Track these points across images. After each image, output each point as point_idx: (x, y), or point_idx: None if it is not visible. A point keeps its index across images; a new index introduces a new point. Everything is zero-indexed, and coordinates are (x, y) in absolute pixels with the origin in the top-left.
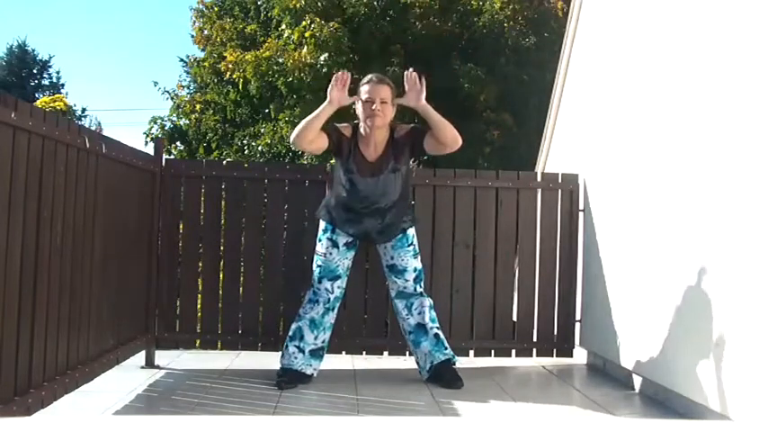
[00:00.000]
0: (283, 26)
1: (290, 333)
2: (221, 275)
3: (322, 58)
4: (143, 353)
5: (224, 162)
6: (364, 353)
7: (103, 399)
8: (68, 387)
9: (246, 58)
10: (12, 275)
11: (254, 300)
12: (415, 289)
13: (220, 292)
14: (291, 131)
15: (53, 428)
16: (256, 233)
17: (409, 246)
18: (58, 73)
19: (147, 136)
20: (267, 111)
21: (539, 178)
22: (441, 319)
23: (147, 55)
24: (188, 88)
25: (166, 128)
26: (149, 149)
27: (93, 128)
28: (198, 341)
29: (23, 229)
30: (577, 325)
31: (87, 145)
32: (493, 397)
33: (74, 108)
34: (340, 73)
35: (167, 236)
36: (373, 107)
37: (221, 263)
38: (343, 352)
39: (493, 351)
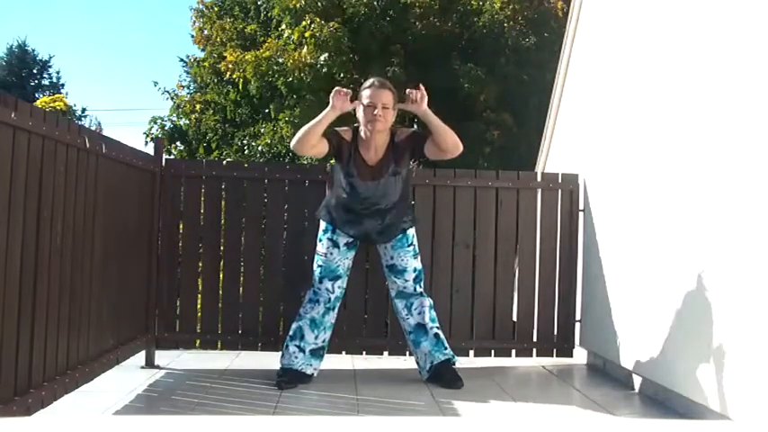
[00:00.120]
0: (283, 26)
1: (291, 333)
2: (221, 275)
3: (322, 58)
4: (143, 353)
5: (224, 162)
6: (364, 353)
7: (103, 399)
8: (68, 387)
9: (246, 58)
10: (12, 275)
11: (254, 300)
12: (415, 289)
13: (220, 292)
14: (292, 131)
15: (53, 428)
16: (256, 233)
17: (409, 246)
18: (58, 73)
19: (147, 136)
20: (267, 111)
21: (539, 178)
22: (441, 319)
23: (147, 55)
24: (188, 88)
25: (166, 128)
26: (149, 149)
27: (93, 128)
28: (198, 341)
29: (23, 229)
30: (577, 325)
31: (87, 145)
32: (493, 397)
33: (74, 108)
34: (341, 90)
35: (167, 236)
36: (375, 112)
37: (221, 263)
38: (344, 352)
39: (493, 351)
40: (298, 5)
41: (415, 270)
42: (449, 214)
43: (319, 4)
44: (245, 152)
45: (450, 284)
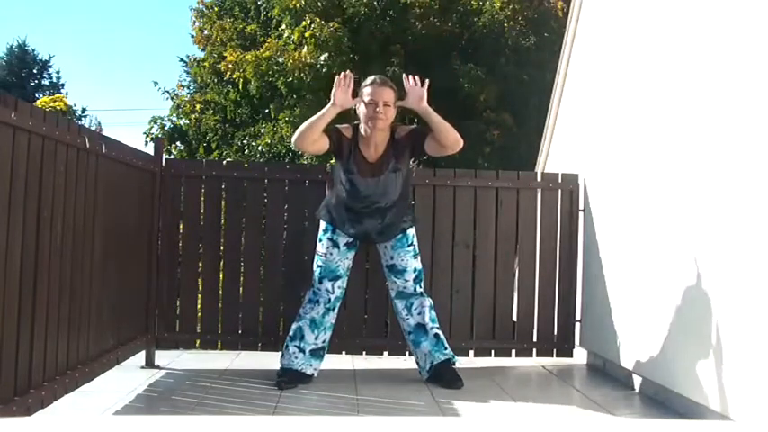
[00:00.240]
0: (283, 26)
1: (291, 333)
2: (221, 275)
3: (322, 58)
4: (143, 353)
5: (224, 162)
6: (364, 353)
7: (103, 399)
8: (68, 387)
9: (246, 58)
10: (12, 275)
11: (254, 300)
12: (415, 289)
13: (220, 292)
14: (292, 131)
15: (53, 428)
16: (256, 233)
17: (409, 246)
18: (58, 73)
19: (147, 136)
20: (267, 111)
21: (539, 178)
22: (441, 319)
23: (147, 55)
24: (188, 88)
25: (166, 128)
26: (149, 149)
27: (93, 128)
28: (198, 341)
29: (23, 229)
30: (577, 325)
31: (87, 145)
32: (493, 397)
33: (74, 108)
34: (342, 74)
35: (167, 236)
36: (376, 110)
37: (221, 263)
38: (344, 352)
39: (493, 351)
40: (298, 5)
41: (415, 270)
42: (449, 214)
43: (319, 4)
44: (245, 152)
45: (450, 284)
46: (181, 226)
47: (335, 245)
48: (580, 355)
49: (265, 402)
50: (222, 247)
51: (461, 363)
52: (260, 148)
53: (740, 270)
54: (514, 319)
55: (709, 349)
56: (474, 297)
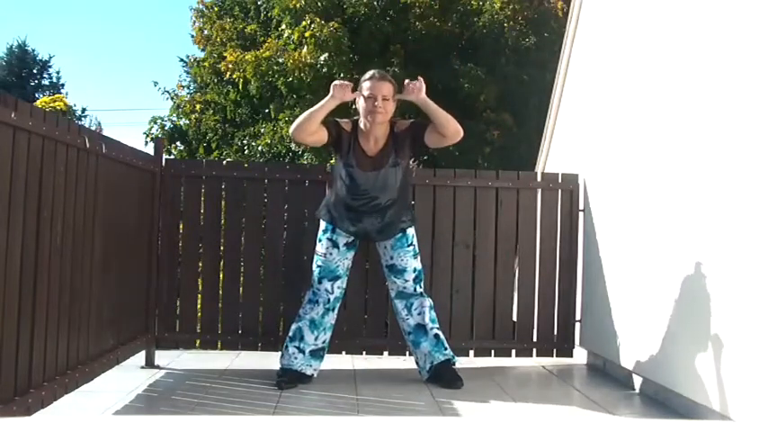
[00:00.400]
0: (283, 26)
1: (290, 333)
2: (221, 275)
3: (322, 58)
4: (143, 353)
5: (224, 162)
6: (364, 353)
7: (103, 399)
8: (68, 387)
9: (246, 58)
10: (12, 275)
11: (254, 300)
12: (415, 289)
13: (220, 292)
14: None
15: (53, 428)
16: (256, 233)
17: (409, 246)
18: (58, 73)
19: (147, 136)
20: (267, 111)
21: (539, 178)
22: (441, 319)
23: (147, 55)
24: (188, 88)
25: (166, 128)
26: (149, 149)
27: (93, 128)
28: (198, 341)
29: (23, 229)
30: (577, 325)
31: (87, 145)
32: (493, 397)
33: (74, 108)
34: (340, 82)
35: (167, 236)
36: (375, 104)
37: (221, 263)
38: (344, 352)
39: (493, 351)
40: (298, 5)
41: (414, 270)
42: (449, 214)
43: (319, 4)
44: (245, 152)
45: (450, 284)
46: (181, 226)
47: (335, 245)
48: (580, 355)
49: (265, 402)
50: (222, 247)
51: (461, 363)
52: (260, 148)
53: (740, 270)
54: (514, 319)
55: (710, 349)
56: (474, 297)
